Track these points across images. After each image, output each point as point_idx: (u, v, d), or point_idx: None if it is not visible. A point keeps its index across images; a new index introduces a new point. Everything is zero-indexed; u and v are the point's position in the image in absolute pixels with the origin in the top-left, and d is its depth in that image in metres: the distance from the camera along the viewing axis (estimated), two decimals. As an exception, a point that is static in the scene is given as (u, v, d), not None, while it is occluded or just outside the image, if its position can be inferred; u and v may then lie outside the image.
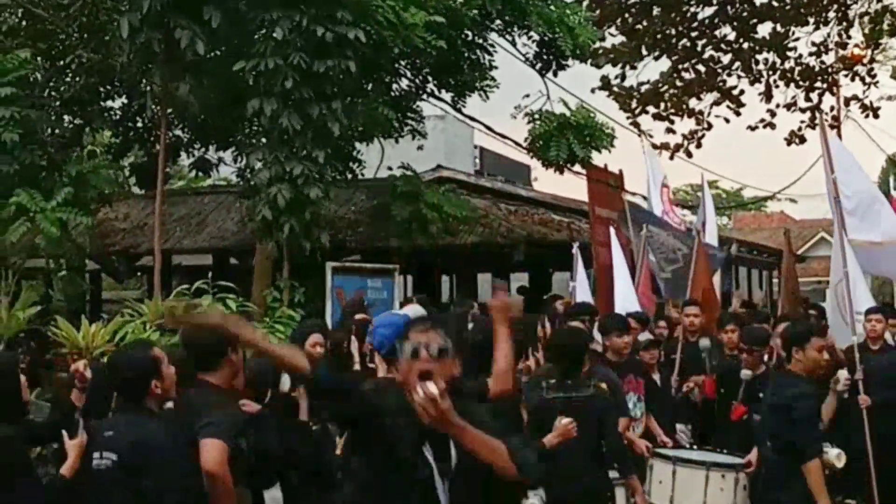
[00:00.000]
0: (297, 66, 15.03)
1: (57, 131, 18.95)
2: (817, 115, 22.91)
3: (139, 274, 25.56)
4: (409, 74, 19.10)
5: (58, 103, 19.29)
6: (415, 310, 6.11)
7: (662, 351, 11.50)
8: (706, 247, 14.78)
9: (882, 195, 13.32)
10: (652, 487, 8.52)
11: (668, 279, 14.49)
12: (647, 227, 14.45)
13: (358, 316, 10.90)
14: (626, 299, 13.08)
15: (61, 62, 18.93)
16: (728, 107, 28.90)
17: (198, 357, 5.73)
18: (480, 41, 19.32)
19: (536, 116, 19.92)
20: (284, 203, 15.33)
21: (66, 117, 19.73)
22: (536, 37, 19.81)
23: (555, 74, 20.50)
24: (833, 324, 11.59)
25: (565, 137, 19.06)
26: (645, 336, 10.93)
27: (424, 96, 20.08)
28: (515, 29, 19.70)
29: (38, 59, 18.23)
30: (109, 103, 20.07)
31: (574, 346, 7.92)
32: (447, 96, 20.29)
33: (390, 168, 20.02)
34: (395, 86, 19.08)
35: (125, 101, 19.88)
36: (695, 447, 9.36)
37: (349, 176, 19.16)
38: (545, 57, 20.33)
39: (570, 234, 18.81)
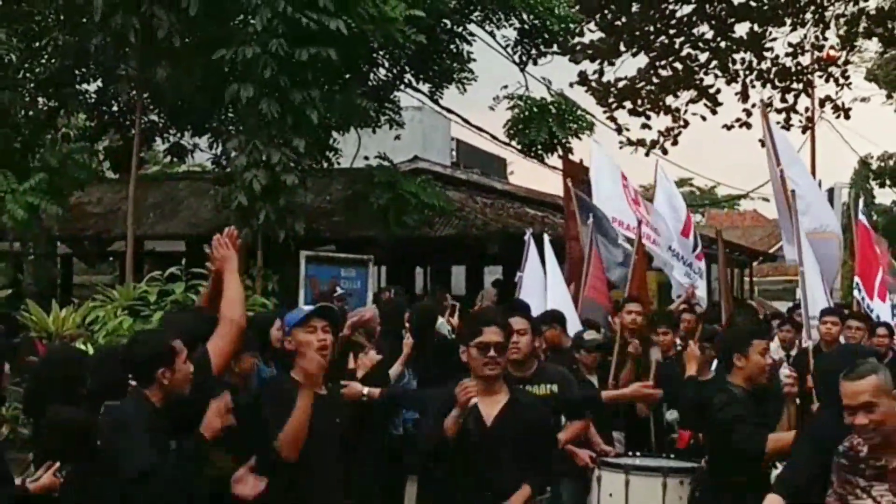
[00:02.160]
0: (277, 53, 14.97)
1: (31, 113, 18.81)
2: (758, 105, 22.78)
3: (111, 259, 25.42)
4: (386, 65, 19.06)
5: (32, 85, 19.13)
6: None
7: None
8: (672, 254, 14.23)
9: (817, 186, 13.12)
10: (601, 502, 7.53)
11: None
12: (591, 216, 13.21)
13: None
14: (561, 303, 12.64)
15: (37, 44, 18.76)
16: (705, 105, 29.02)
17: (132, 370, 5.63)
18: (460, 30, 19.32)
19: (517, 100, 19.98)
20: (260, 189, 15.27)
21: (40, 99, 19.56)
22: (518, 25, 19.84)
23: (534, 63, 20.53)
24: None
25: (544, 121, 19.10)
26: (591, 335, 9.77)
27: (402, 87, 20.06)
28: (497, 17, 19.71)
29: (14, 40, 18.07)
30: (85, 86, 19.90)
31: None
32: (425, 87, 20.29)
33: (367, 158, 19.97)
34: (372, 76, 19.04)
35: (100, 84, 19.72)
36: (638, 454, 8.25)
37: (325, 165, 19.11)
38: (525, 46, 20.36)
39: (544, 229, 18.81)
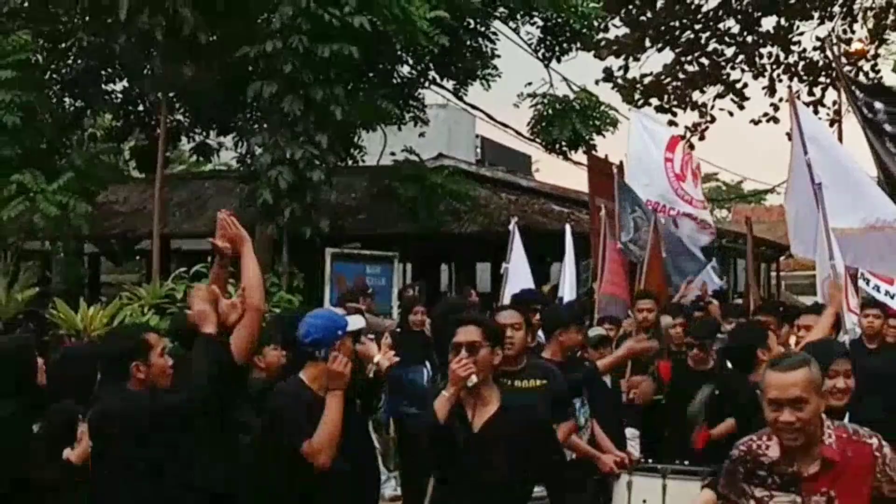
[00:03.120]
0: (298, 49, 15.00)
1: (58, 113, 18.90)
2: (786, 91, 22.41)
3: (138, 258, 25.53)
4: (410, 62, 19.05)
5: (58, 86, 19.24)
6: (356, 319, 5.89)
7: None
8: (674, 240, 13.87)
9: (860, 171, 11.49)
10: None
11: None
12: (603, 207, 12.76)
13: (350, 304, 10.72)
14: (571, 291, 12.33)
15: (63, 44, 18.85)
16: (732, 100, 28.86)
17: (105, 365, 5.61)
18: (483, 29, 19.29)
19: (540, 99, 19.94)
20: (286, 186, 15.31)
21: (66, 100, 19.67)
22: (541, 22, 19.79)
23: (558, 61, 20.49)
24: None
25: (569, 118, 19.06)
26: (596, 331, 9.22)
27: (426, 84, 20.05)
28: (519, 16, 19.67)
29: (40, 41, 18.16)
30: (111, 86, 20.00)
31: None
32: (449, 84, 20.28)
33: (393, 154, 20.01)
34: (396, 73, 19.05)
35: (126, 84, 19.80)
36: (650, 461, 7.76)
37: (350, 162, 19.15)
38: (549, 43, 20.32)
39: (570, 224, 18.77)
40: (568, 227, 14.40)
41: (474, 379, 5.13)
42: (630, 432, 9.02)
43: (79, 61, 19.08)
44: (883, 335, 9.84)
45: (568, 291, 12.87)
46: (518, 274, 12.58)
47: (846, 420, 4.93)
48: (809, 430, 4.23)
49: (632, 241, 13.02)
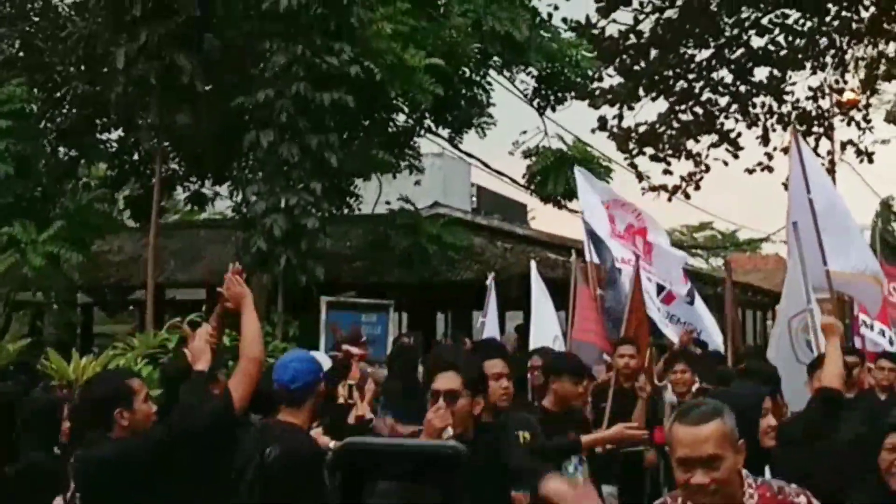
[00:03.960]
0: (296, 96, 15.01)
1: (52, 163, 18.87)
2: (782, 139, 22.44)
3: (131, 307, 25.41)
4: (406, 110, 19.09)
5: (53, 135, 19.23)
6: (325, 359, 5.76)
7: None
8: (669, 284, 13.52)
9: (852, 218, 11.44)
10: None
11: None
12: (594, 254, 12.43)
13: (336, 353, 10.56)
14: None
15: (57, 94, 18.86)
16: (726, 149, 28.94)
17: (92, 417, 5.48)
18: (479, 79, 19.34)
19: (534, 152, 19.94)
20: (280, 234, 15.25)
21: (61, 149, 19.67)
22: (536, 72, 19.84)
23: (553, 110, 20.54)
24: (783, 366, 8.83)
25: (563, 172, 19.06)
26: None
27: (422, 133, 20.08)
28: (514, 67, 19.74)
29: (35, 90, 18.17)
30: (105, 136, 20.00)
31: None
32: (444, 132, 20.33)
33: (388, 203, 19.97)
34: (392, 121, 19.07)
35: (121, 133, 19.80)
36: None
37: (346, 210, 19.12)
38: (543, 93, 20.37)
39: (565, 273, 18.69)
40: (533, 265, 14.14)
41: (450, 431, 4.78)
42: (607, 490, 8.50)
43: (73, 110, 19.09)
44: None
45: (537, 336, 12.46)
46: (492, 328, 12.82)
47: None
48: (727, 492, 3.68)
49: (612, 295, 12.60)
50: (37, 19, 19.83)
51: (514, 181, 22.16)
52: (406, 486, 1.02)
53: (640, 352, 10.02)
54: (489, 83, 19.80)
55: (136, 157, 20.38)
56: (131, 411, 5.26)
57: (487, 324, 13.09)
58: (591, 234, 12.92)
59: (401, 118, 19.40)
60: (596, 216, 13.43)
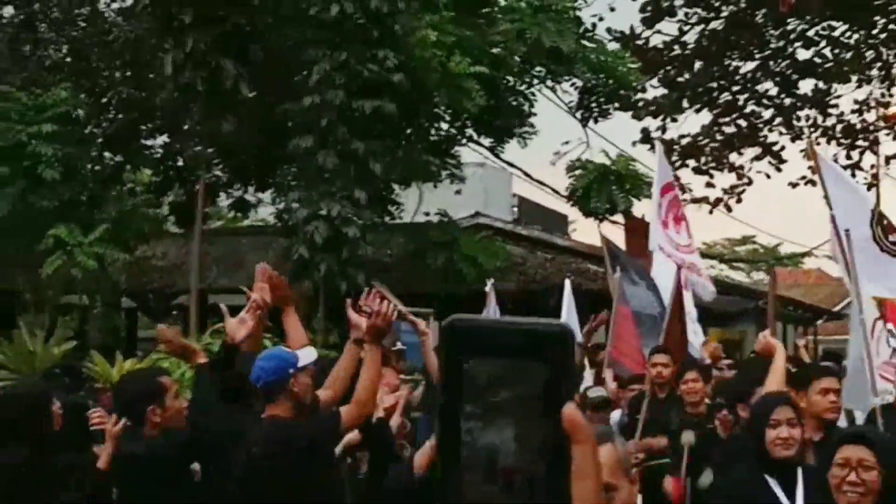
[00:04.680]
0: (338, 104, 15.09)
1: (98, 168, 19.06)
2: (809, 139, 22.10)
3: (175, 313, 25.57)
4: (448, 119, 19.13)
5: (99, 140, 19.42)
6: (307, 353, 5.77)
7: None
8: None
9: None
10: None
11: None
12: (619, 268, 12.04)
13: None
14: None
15: (103, 99, 19.06)
16: (769, 162, 28.76)
17: (124, 414, 5.62)
18: (522, 88, 19.35)
19: (577, 166, 19.89)
20: (321, 241, 15.32)
21: (106, 154, 19.85)
22: (580, 83, 19.82)
23: (596, 121, 20.50)
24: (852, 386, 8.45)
25: (606, 187, 19.00)
26: (596, 391, 8.92)
27: (464, 142, 20.10)
28: (559, 78, 19.72)
29: (81, 95, 18.36)
30: (150, 141, 20.18)
31: None
32: (486, 142, 20.32)
33: (427, 214, 19.98)
34: (434, 130, 19.12)
35: (166, 139, 19.97)
36: None
37: (387, 219, 19.17)
38: (586, 103, 20.34)
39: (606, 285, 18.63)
40: (567, 282, 14.11)
41: None
42: None
43: (119, 116, 19.26)
44: None
45: None
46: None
47: None
48: None
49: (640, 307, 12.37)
50: (84, 25, 20.06)
51: (555, 192, 22.13)
52: (511, 363, 1.05)
53: (674, 361, 9.61)
54: (532, 93, 19.82)
55: (180, 163, 20.55)
56: (163, 408, 5.40)
57: None
58: (611, 251, 12.88)
59: (443, 127, 19.43)
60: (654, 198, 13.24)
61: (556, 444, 1.16)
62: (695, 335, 12.56)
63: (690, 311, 12.31)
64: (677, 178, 13.88)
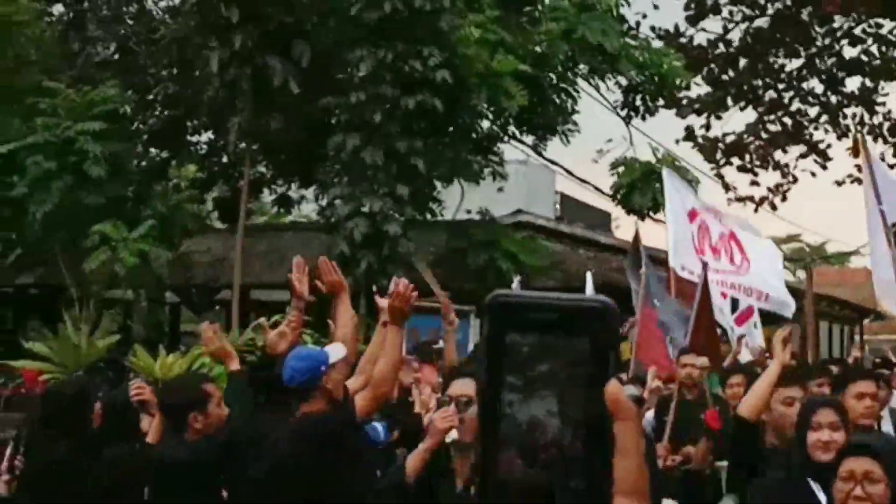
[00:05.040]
0: (383, 100, 15.14)
1: (143, 164, 19.23)
2: (856, 132, 21.90)
3: (218, 308, 25.76)
4: (491, 116, 19.13)
5: (145, 136, 19.59)
6: (337, 349, 5.78)
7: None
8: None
9: None
10: None
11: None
12: (644, 267, 11.84)
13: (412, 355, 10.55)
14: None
15: (149, 96, 19.22)
16: (815, 160, 28.55)
17: (167, 419, 5.73)
18: (565, 86, 19.31)
19: (621, 163, 19.84)
20: (361, 238, 15.37)
21: (152, 150, 20.02)
22: (624, 81, 19.76)
23: (643, 119, 20.43)
24: None
25: (650, 185, 18.94)
26: (628, 390, 8.89)
27: (506, 139, 20.09)
28: (605, 75, 19.66)
29: (128, 92, 18.53)
30: (196, 137, 20.33)
31: None
32: (528, 139, 20.29)
33: (469, 211, 19.99)
34: (477, 127, 19.12)
35: (211, 136, 20.12)
36: None
37: (429, 216, 19.20)
38: (631, 102, 20.28)
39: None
40: (589, 276, 13.83)
41: (454, 434, 4.67)
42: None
43: (165, 112, 19.42)
44: None
45: None
46: None
47: None
48: None
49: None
50: (131, 22, 20.27)
51: (598, 189, 22.09)
52: (554, 338, 1.05)
53: (712, 362, 9.51)
54: (576, 90, 19.77)
55: (225, 159, 20.70)
56: (205, 415, 5.46)
57: None
58: (637, 249, 12.65)
59: (485, 124, 19.43)
60: (679, 222, 13.01)
61: (599, 422, 1.16)
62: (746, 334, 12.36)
63: (723, 308, 12.15)
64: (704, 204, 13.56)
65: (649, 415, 8.99)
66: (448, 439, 4.63)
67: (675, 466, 8.50)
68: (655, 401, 9.04)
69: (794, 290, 24.24)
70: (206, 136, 20.38)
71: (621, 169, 20.20)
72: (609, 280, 20.01)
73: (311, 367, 5.42)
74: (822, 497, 4.98)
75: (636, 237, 13.27)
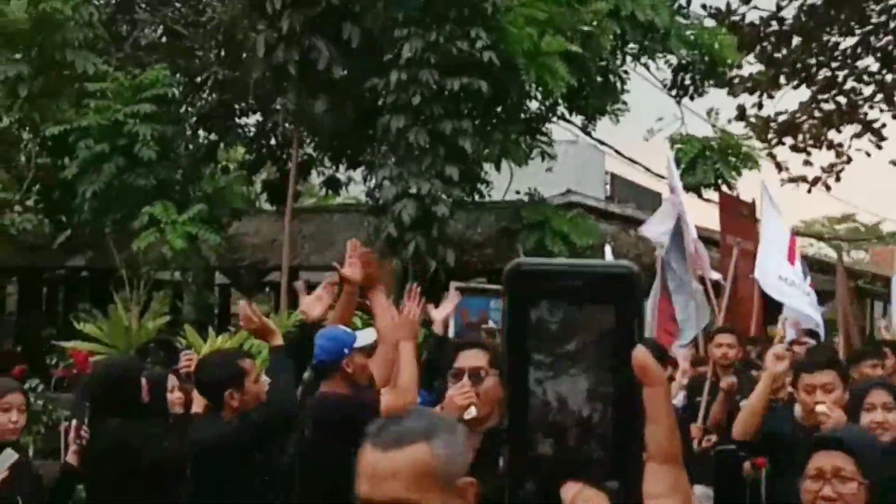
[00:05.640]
0: (428, 82, 15.07)
1: (192, 147, 19.31)
2: None
3: (267, 289, 25.87)
4: (539, 97, 19.01)
5: (193, 119, 19.67)
6: (367, 334, 5.71)
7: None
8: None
9: None
10: None
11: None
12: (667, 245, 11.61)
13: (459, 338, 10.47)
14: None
15: (198, 79, 19.29)
16: (869, 140, 28.14)
17: (203, 396, 5.71)
18: (614, 66, 19.14)
19: (678, 140, 19.68)
20: (409, 220, 15.33)
21: (200, 133, 20.11)
22: (675, 61, 19.56)
23: (692, 98, 20.22)
24: None
25: (710, 162, 18.78)
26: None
27: (554, 119, 19.95)
28: (655, 54, 19.46)
29: (177, 75, 18.60)
30: (244, 120, 20.39)
31: None
32: (577, 120, 20.16)
33: (518, 193, 19.90)
34: (525, 108, 19.00)
35: (259, 118, 20.16)
36: None
37: (477, 197, 19.13)
38: (681, 81, 20.09)
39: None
40: (608, 248, 13.40)
41: (473, 411, 4.35)
42: (700, 490, 7.91)
43: (213, 95, 19.49)
44: None
45: None
46: None
47: None
48: None
49: None
50: (179, 5, 20.36)
51: (647, 169, 21.91)
52: (579, 306, 1.00)
53: (740, 342, 9.02)
54: (625, 70, 19.60)
55: (273, 141, 20.75)
56: (241, 392, 5.41)
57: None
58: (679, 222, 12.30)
59: (533, 105, 19.31)
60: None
61: (628, 389, 1.12)
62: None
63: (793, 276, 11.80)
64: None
65: (680, 395, 8.85)
66: (467, 416, 4.29)
67: (710, 447, 8.29)
68: (685, 383, 8.86)
69: (849, 271, 24.02)
70: (255, 118, 20.43)
71: (678, 146, 20.03)
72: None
73: (334, 348, 5.41)
74: None
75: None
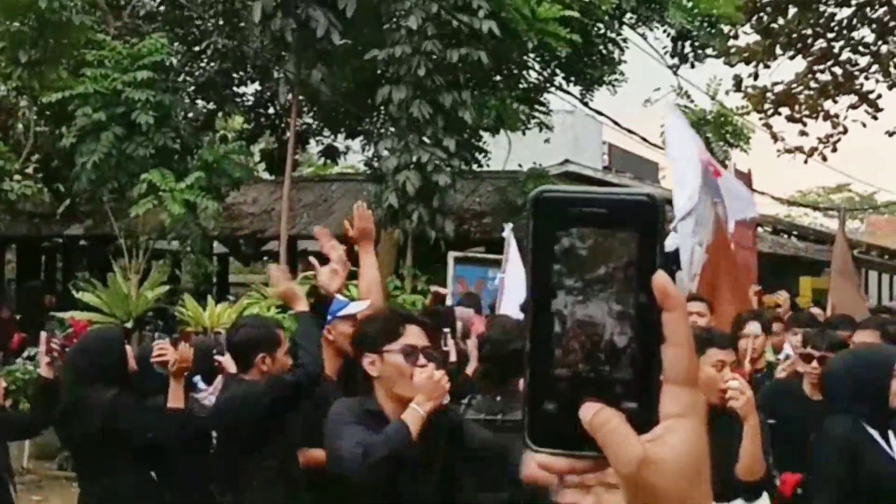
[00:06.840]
0: (429, 54, 15.08)
1: (190, 115, 19.30)
2: None
3: (265, 258, 25.95)
4: (537, 67, 19.02)
5: (192, 88, 19.67)
6: (360, 304, 5.70)
7: None
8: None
9: None
10: None
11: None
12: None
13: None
14: None
15: (197, 48, 19.28)
16: (865, 111, 28.16)
17: (234, 358, 5.77)
18: (613, 35, 19.15)
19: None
20: (413, 190, 15.37)
21: (199, 102, 20.11)
22: (673, 31, 19.56)
23: (692, 66, 20.23)
24: None
25: (703, 134, 18.82)
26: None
27: (553, 89, 19.97)
28: (652, 23, 19.45)
29: (175, 43, 18.57)
30: (242, 89, 20.39)
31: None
32: (575, 90, 20.18)
33: (520, 165, 19.95)
34: (523, 78, 19.02)
35: (258, 87, 20.17)
36: None
37: (475, 166, 19.17)
38: (679, 51, 20.10)
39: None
40: (508, 228, 12.87)
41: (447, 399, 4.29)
42: None
43: (212, 64, 19.48)
44: None
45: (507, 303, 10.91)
46: (515, 285, 10.81)
47: None
48: None
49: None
50: (176, -26, 20.29)
51: (644, 140, 21.93)
52: (601, 233, 1.04)
53: (711, 311, 8.13)
54: (624, 39, 19.59)
55: (271, 110, 20.78)
56: (273, 358, 5.46)
57: (508, 279, 11.20)
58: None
59: (532, 75, 19.32)
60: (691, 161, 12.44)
61: (648, 313, 1.14)
62: None
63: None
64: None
65: None
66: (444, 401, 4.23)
67: None
68: None
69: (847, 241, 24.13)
70: (253, 87, 20.43)
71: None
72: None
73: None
74: None
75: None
